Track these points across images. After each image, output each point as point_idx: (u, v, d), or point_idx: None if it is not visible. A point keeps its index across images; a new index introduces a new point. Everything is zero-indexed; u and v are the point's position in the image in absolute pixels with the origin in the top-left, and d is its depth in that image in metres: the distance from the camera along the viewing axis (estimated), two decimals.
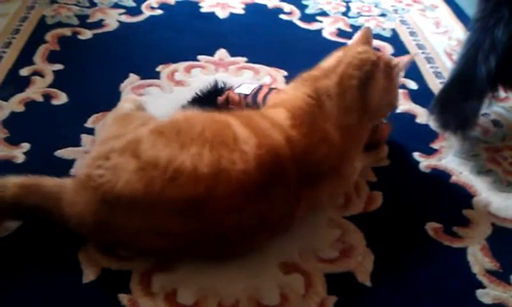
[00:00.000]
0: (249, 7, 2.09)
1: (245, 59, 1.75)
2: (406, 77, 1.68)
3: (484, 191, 1.32)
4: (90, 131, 1.42)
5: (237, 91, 1.43)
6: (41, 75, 1.62)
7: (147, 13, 2.01)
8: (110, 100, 1.48)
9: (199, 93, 1.50)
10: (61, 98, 1.54)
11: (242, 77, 1.67)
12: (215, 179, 1.01)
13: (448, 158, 1.41)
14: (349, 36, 1.92)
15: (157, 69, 1.68)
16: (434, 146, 1.45)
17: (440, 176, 1.36)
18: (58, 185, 1.10)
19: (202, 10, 2.06)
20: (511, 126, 1.53)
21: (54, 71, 1.64)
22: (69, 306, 1.02)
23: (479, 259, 1.15)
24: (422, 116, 1.54)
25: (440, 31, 2.00)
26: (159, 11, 2.03)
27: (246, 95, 1.41)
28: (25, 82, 1.59)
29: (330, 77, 1.22)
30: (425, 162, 1.40)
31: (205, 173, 1.01)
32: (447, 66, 1.77)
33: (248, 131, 1.09)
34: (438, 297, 1.07)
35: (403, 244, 1.18)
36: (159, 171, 1.01)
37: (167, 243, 1.04)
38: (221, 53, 1.78)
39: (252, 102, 1.39)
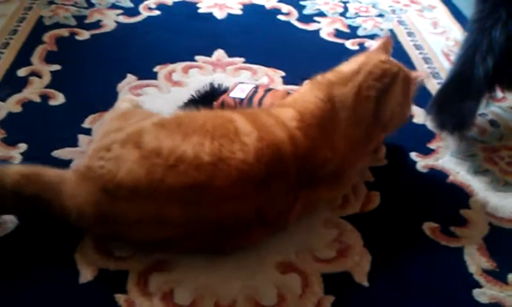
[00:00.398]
0: (247, 8, 2.09)
1: (243, 59, 1.76)
2: None
3: (481, 191, 1.32)
4: (87, 131, 1.42)
5: (232, 95, 1.43)
6: (39, 76, 1.62)
7: (145, 13, 2.01)
8: (107, 100, 1.49)
9: (195, 95, 1.51)
10: (58, 99, 1.54)
11: (240, 77, 1.67)
12: (215, 167, 1.02)
13: (445, 158, 1.41)
14: (346, 36, 1.92)
15: (155, 69, 1.68)
16: (431, 146, 1.45)
17: (437, 176, 1.36)
18: (59, 175, 1.10)
19: (200, 11, 2.06)
20: (507, 126, 1.53)
21: (52, 72, 1.64)
22: (66, 306, 1.02)
23: (475, 259, 1.15)
24: (419, 116, 1.54)
25: (438, 31, 2.00)
26: (157, 12, 2.03)
27: (242, 99, 1.41)
28: (22, 83, 1.59)
29: (348, 85, 1.21)
30: (422, 162, 1.40)
31: (206, 161, 1.03)
32: (445, 66, 1.77)
33: (250, 126, 1.10)
34: (435, 297, 1.08)
35: (400, 244, 1.18)
36: (161, 159, 1.02)
37: (167, 233, 1.04)
38: (219, 53, 1.78)
39: (247, 106, 1.39)
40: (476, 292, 1.08)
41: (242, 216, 1.05)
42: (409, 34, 1.98)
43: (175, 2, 2.10)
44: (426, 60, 1.82)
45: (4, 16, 1.91)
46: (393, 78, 1.24)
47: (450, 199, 1.30)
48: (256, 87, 1.44)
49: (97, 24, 1.92)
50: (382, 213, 1.25)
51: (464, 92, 1.38)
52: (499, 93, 1.47)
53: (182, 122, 1.11)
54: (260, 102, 1.37)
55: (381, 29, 1.99)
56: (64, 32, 1.86)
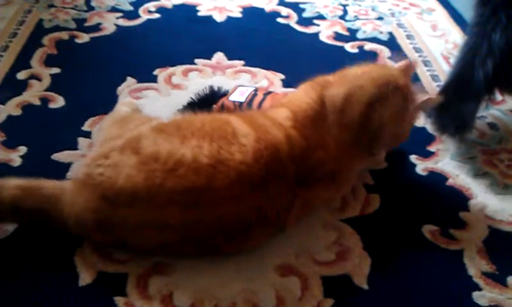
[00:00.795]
0: (246, 11, 2.09)
1: (242, 62, 1.76)
2: None
3: (480, 194, 1.32)
4: (87, 134, 1.42)
5: (231, 98, 1.43)
6: (39, 79, 1.62)
7: (144, 16, 2.01)
8: (107, 103, 1.49)
9: (194, 98, 1.51)
10: (58, 102, 1.54)
11: (240, 80, 1.67)
12: (214, 169, 1.03)
13: (445, 161, 1.41)
14: (346, 39, 1.93)
15: (154, 72, 1.68)
16: (431, 148, 1.45)
17: (437, 179, 1.36)
18: (57, 187, 1.10)
19: (199, 14, 2.06)
20: (507, 129, 1.53)
21: (51, 75, 1.64)
22: None
23: (475, 262, 1.15)
24: (419, 119, 1.53)
25: (437, 34, 2.01)
26: (156, 15, 2.03)
27: (241, 103, 1.41)
28: (22, 86, 1.59)
29: (343, 87, 1.19)
30: (421, 165, 1.40)
31: (205, 163, 1.03)
32: (444, 69, 1.78)
33: (247, 127, 1.11)
34: (435, 300, 1.07)
35: (400, 247, 1.18)
36: (159, 163, 1.03)
37: (166, 238, 1.04)
38: (219, 56, 1.78)
39: (247, 109, 1.39)
40: (476, 295, 1.08)
41: (242, 217, 1.05)
42: (409, 37, 1.98)
43: (174, 5, 2.10)
44: (425, 63, 1.82)
45: (3, 19, 1.91)
46: (393, 90, 1.21)
47: (449, 202, 1.30)
48: (256, 90, 1.44)
49: (97, 27, 1.92)
50: (381, 216, 1.25)
51: (464, 95, 1.38)
52: (498, 96, 1.48)
53: (180, 125, 1.12)
54: (259, 105, 1.38)
55: (380, 32, 1.99)
56: (64, 35, 1.86)
